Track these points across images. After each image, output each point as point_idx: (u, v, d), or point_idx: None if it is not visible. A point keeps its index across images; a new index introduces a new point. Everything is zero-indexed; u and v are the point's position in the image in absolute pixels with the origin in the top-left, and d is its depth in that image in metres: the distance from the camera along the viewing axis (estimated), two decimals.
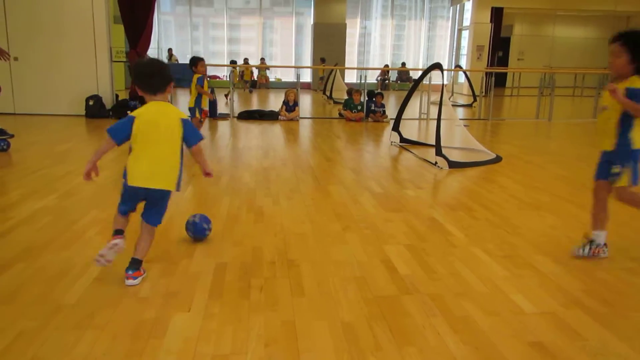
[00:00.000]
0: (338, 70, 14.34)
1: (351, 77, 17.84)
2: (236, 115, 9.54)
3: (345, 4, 18.48)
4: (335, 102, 13.07)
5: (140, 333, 2.06)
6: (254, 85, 17.26)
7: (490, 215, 3.79)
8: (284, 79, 18.64)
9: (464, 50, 18.29)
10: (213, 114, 8.91)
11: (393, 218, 3.67)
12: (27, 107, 8.88)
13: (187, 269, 2.70)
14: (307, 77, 18.72)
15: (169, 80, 2.49)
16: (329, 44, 18.14)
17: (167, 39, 19.17)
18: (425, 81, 8.17)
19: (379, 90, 12.34)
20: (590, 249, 2.92)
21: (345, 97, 11.21)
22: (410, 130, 8.14)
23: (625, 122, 2.73)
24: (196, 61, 6.19)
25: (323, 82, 15.72)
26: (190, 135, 2.49)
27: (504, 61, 20.47)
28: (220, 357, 1.93)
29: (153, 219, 2.56)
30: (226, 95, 12.23)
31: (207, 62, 6.38)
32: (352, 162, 5.84)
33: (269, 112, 9.62)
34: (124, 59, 11.50)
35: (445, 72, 8.07)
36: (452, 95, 14.82)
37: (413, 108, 10.03)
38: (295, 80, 10.51)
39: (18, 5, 8.60)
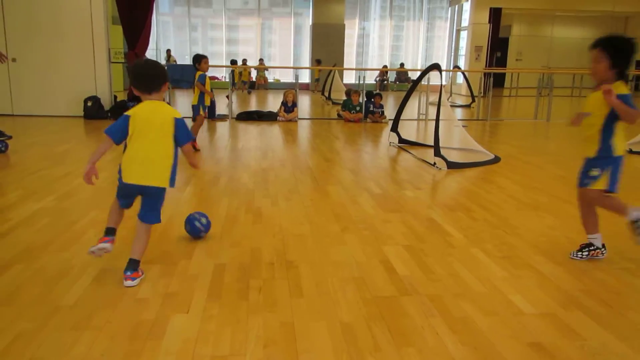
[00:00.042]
0: (337, 71, 14.35)
1: (350, 78, 17.84)
2: (235, 116, 9.54)
3: (344, 5, 18.50)
4: (334, 103, 13.07)
5: (139, 334, 2.06)
6: (252, 86, 17.26)
7: (488, 215, 3.80)
8: (282, 80, 18.64)
9: (463, 50, 18.31)
10: (212, 115, 8.91)
11: (392, 219, 3.67)
12: (25, 108, 8.88)
13: (186, 270, 2.70)
14: (305, 78, 18.73)
15: (164, 80, 2.56)
16: (327, 45, 18.15)
17: (166, 40, 19.17)
18: (424, 82, 8.17)
19: (377, 91, 12.33)
20: (588, 252, 2.93)
21: (344, 97, 11.23)
22: (408, 130, 8.15)
23: (608, 128, 2.74)
24: (200, 58, 6.22)
25: (319, 84, 15.74)
26: (181, 135, 2.54)
27: (502, 62, 20.50)
28: (219, 358, 1.92)
29: (148, 217, 2.57)
30: (228, 97, 12.27)
31: None
32: (350, 163, 5.84)
33: (268, 113, 9.62)
34: (123, 60, 11.50)
35: (443, 73, 8.07)
36: (451, 95, 14.83)
37: (412, 109, 10.04)
38: (294, 81, 10.51)
39: (16, 6, 8.59)
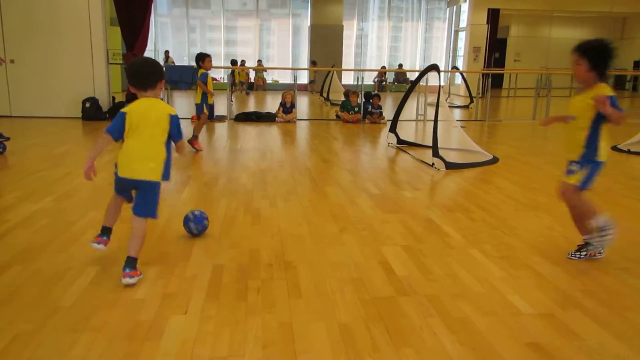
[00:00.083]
0: (335, 72, 14.35)
1: (348, 79, 17.86)
2: (233, 117, 9.53)
3: (342, 6, 18.53)
4: (333, 104, 13.07)
5: (137, 335, 2.06)
6: (250, 87, 17.26)
7: (487, 216, 3.80)
8: (281, 81, 18.64)
9: (461, 51, 18.34)
10: (210, 116, 8.88)
11: (390, 219, 3.67)
12: (23, 110, 8.87)
13: (184, 270, 2.70)
14: (304, 79, 18.74)
15: (160, 78, 2.62)
16: (326, 46, 18.17)
17: (164, 41, 19.17)
18: (422, 82, 8.17)
19: (376, 92, 12.35)
20: (586, 252, 2.93)
21: (343, 98, 11.23)
22: (407, 131, 8.15)
23: (595, 133, 2.77)
24: (203, 57, 6.24)
25: (315, 85, 15.74)
26: (176, 132, 2.61)
27: (500, 62, 20.55)
28: (218, 358, 1.92)
29: (140, 210, 2.60)
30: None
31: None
32: (349, 164, 5.84)
33: (266, 113, 9.63)
34: (121, 61, 11.48)
35: (442, 74, 8.08)
36: (449, 96, 14.85)
37: (410, 109, 10.04)
38: (293, 82, 10.51)
39: (14, 7, 8.58)
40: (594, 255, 2.93)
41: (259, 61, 18.74)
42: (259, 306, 2.32)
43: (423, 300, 2.41)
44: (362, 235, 3.31)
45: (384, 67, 19.68)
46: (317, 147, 6.89)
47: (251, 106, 12.60)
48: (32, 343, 1.99)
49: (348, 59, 19.83)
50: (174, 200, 4.03)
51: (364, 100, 9.80)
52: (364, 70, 17.14)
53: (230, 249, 3.03)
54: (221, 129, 8.48)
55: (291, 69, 18.32)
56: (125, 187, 2.67)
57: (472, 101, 13.32)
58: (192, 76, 9.96)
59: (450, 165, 5.44)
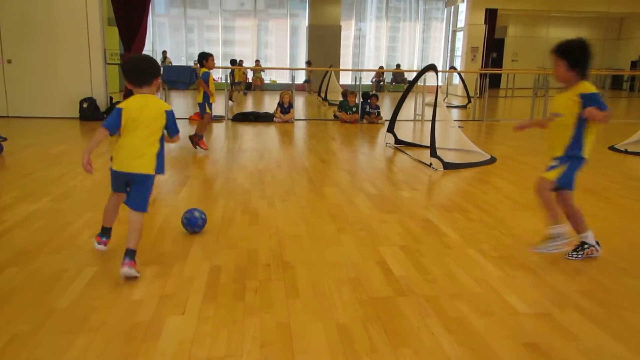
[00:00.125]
0: (333, 72, 14.35)
1: (346, 79, 17.87)
2: (231, 117, 9.53)
3: (340, 6, 18.53)
4: (330, 104, 13.07)
5: (134, 336, 2.06)
6: (248, 87, 17.25)
7: (484, 216, 3.80)
8: (279, 81, 18.64)
9: (459, 51, 18.35)
10: None
11: (388, 219, 3.67)
12: (20, 110, 8.85)
13: (182, 271, 2.69)
14: (302, 79, 18.73)
15: (156, 75, 2.68)
16: (323, 46, 18.17)
17: (162, 41, 19.14)
18: (420, 82, 8.18)
19: (373, 92, 12.36)
20: (583, 251, 2.94)
21: (340, 98, 11.22)
22: (405, 131, 8.15)
23: (580, 130, 2.78)
24: (207, 56, 6.27)
25: (311, 85, 15.73)
26: (173, 127, 2.69)
27: (498, 62, 20.57)
28: (215, 359, 1.92)
29: (132, 203, 2.65)
30: (230, 98, 12.25)
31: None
32: (347, 164, 5.84)
33: (264, 114, 9.62)
34: (118, 61, 11.46)
35: (439, 74, 8.08)
36: (447, 96, 14.86)
37: (408, 109, 10.05)
38: (290, 82, 10.51)
39: (11, 7, 8.56)
40: (591, 254, 2.94)
41: (257, 61, 18.73)
42: (256, 306, 2.32)
43: (421, 300, 2.41)
44: (359, 236, 3.31)
45: (381, 67, 19.68)
46: (314, 147, 6.89)
47: (249, 106, 12.59)
48: (30, 344, 1.98)
49: (346, 59, 19.83)
50: (172, 200, 4.03)
51: (361, 100, 9.80)
52: (361, 71, 17.18)
53: (228, 249, 3.03)
54: (219, 129, 8.48)
55: (289, 69, 18.31)
56: (119, 181, 2.70)
57: (469, 101, 13.34)
58: (189, 76, 9.92)
59: (447, 165, 5.44)
